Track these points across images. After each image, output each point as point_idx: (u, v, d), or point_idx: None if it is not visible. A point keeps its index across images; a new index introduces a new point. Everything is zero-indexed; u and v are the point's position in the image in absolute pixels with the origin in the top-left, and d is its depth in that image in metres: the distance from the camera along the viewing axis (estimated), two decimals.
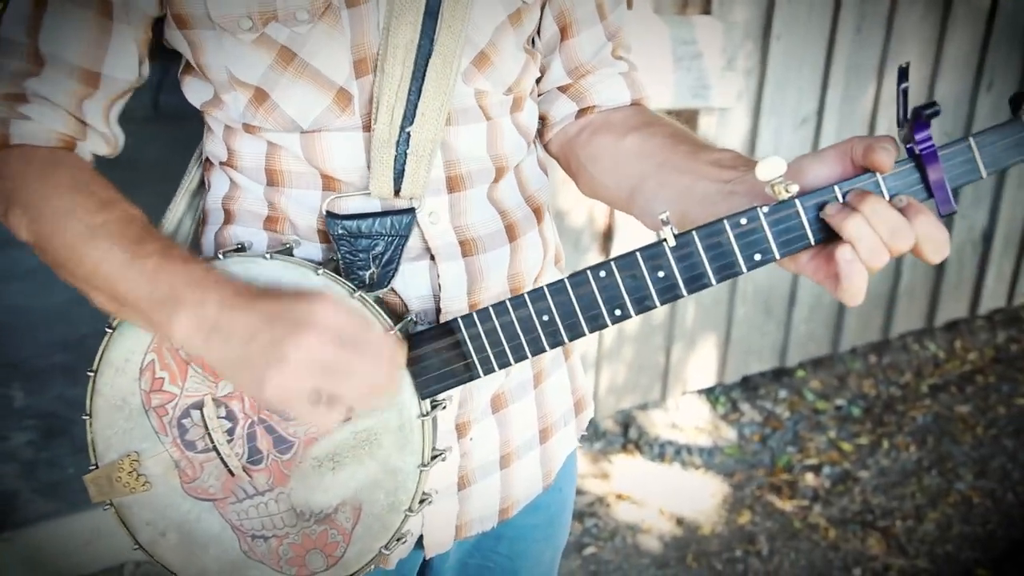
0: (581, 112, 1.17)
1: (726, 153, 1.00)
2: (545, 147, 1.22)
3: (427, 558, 1.17)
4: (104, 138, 1.03)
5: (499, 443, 1.16)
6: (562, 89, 1.17)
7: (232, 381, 0.96)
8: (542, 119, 1.20)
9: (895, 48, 3.56)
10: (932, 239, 0.82)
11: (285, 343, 0.83)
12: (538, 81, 1.17)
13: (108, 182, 0.98)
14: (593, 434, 3.38)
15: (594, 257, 3.20)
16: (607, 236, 3.18)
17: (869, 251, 0.81)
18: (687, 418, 3.55)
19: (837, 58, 3.43)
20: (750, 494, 3.16)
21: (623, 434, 3.42)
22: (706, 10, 3.07)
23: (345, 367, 0.85)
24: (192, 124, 1.12)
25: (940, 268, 4.10)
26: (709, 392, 3.69)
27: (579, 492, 2.96)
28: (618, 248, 3.19)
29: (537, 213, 1.15)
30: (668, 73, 2.94)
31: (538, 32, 1.13)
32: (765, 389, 3.77)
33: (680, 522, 3.00)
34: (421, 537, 1.14)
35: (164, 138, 1.16)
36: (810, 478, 3.24)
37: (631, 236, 3.19)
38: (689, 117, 3.17)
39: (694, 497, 3.13)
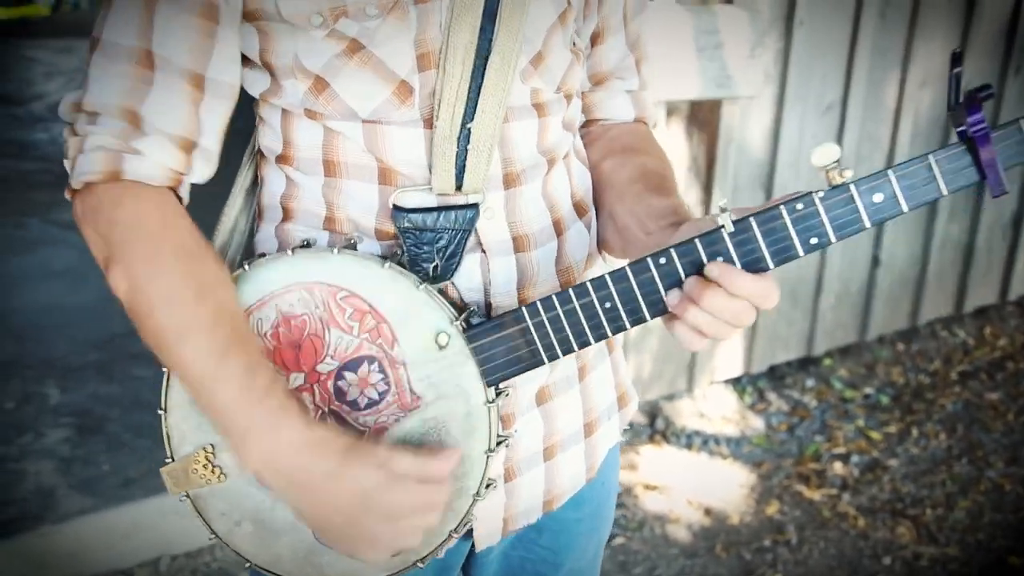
0: (587, 122, 1.23)
1: (668, 203, 1.08)
2: None
3: (476, 551, 1.18)
4: (207, 158, 1.02)
5: (543, 435, 1.17)
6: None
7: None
8: None
9: (920, 33, 3.53)
10: (759, 296, 0.90)
11: (359, 544, 0.94)
12: None
13: (207, 251, 0.99)
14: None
15: None
16: None
17: (715, 334, 0.93)
18: (714, 408, 3.55)
19: (861, 44, 3.41)
20: (778, 484, 3.16)
21: (650, 425, 3.43)
22: None
23: (408, 527, 0.94)
24: None
25: (969, 254, 4.07)
26: (736, 382, 3.69)
27: None
28: None
29: (579, 206, 1.17)
30: (691, 63, 2.93)
31: (578, 33, 1.15)
32: (792, 378, 3.76)
33: (708, 512, 3.00)
34: (470, 530, 1.15)
35: None
36: (839, 467, 3.24)
37: None
38: (713, 107, 3.16)
39: (722, 487, 3.13)
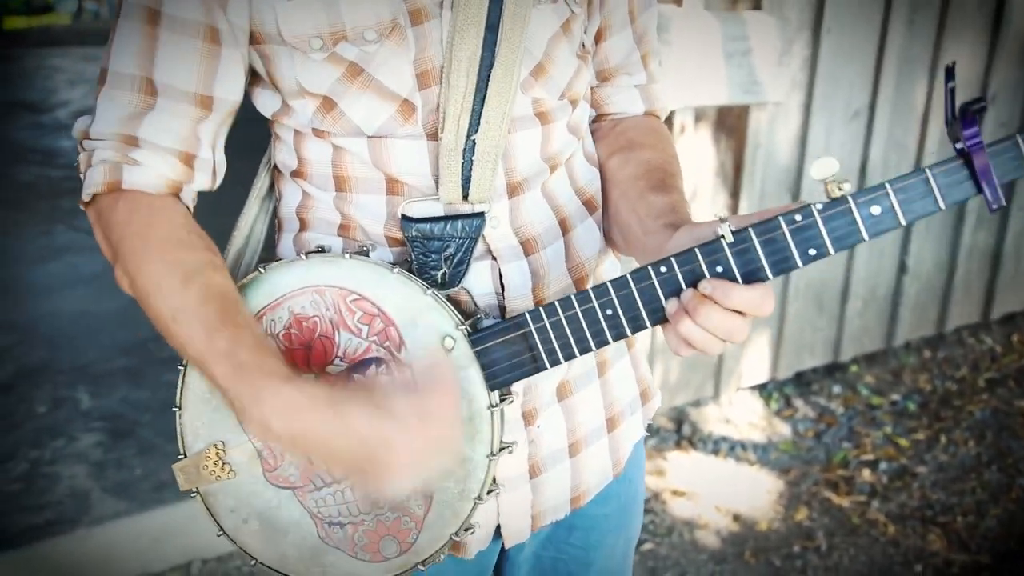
0: (598, 117, 1.25)
1: (667, 200, 1.09)
2: None
3: (505, 548, 1.20)
4: (210, 168, 1.07)
5: (566, 431, 1.19)
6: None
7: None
8: None
9: (949, 39, 3.52)
10: (754, 305, 0.90)
11: (381, 483, 0.91)
12: None
13: (198, 240, 1.02)
14: (647, 431, 3.38)
15: None
16: None
17: (703, 348, 0.92)
18: (741, 414, 3.55)
19: (889, 51, 3.40)
20: (806, 490, 3.14)
21: (677, 431, 3.43)
22: (756, 5, 3.07)
23: (433, 454, 0.91)
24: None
25: (996, 261, 4.04)
26: (762, 388, 3.68)
27: None
28: None
29: (589, 204, 1.19)
30: (719, 69, 2.93)
31: (585, 32, 1.17)
32: (819, 385, 3.75)
33: (737, 518, 3.00)
34: (499, 528, 1.17)
35: None
36: (867, 474, 3.22)
37: None
38: (740, 113, 3.17)
39: (750, 493, 3.13)
